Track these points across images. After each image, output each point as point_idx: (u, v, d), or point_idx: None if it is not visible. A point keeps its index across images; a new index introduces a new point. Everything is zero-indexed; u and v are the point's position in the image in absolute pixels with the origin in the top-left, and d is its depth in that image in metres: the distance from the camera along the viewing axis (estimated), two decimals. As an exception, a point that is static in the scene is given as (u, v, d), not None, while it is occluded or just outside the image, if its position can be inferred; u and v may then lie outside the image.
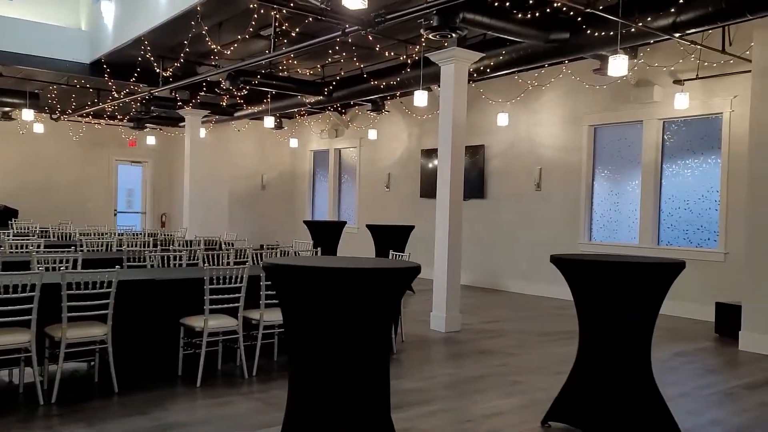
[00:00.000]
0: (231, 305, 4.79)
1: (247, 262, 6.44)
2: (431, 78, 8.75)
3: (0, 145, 14.50)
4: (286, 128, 15.11)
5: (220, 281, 4.73)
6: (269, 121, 11.57)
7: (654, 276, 3.69)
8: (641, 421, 3.75)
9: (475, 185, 11.19)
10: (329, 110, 13.89)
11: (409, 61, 8.87)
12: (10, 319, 3.97)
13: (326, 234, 11.32)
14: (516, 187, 10.66)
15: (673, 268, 3.72)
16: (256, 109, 12.74)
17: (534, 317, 8.18)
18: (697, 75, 8.16)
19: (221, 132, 15.61)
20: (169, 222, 17.23)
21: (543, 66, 9.43)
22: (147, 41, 9.36)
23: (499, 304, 9.32)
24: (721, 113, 8.07)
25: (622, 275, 3.66)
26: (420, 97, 8.49)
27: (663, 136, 8.79)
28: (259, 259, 6.67)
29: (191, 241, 8.60)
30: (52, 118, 14.61)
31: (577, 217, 9.74)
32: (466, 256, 11.14)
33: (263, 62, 8.62)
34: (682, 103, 7.99)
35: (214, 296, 4.68)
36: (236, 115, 13.64)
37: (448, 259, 7.09)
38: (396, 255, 6.56)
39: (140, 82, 10.74)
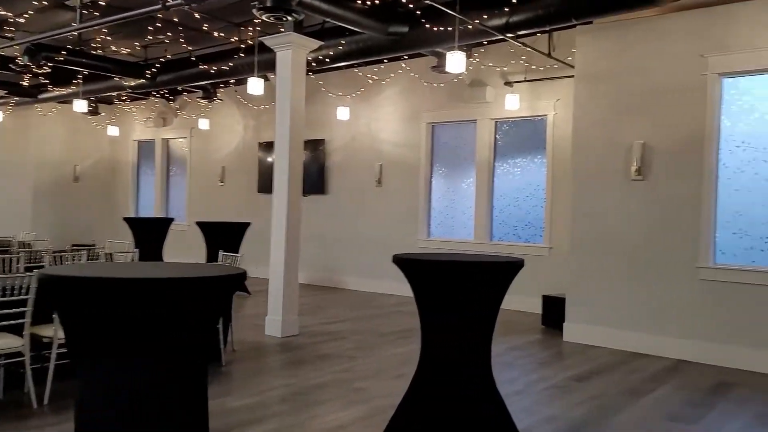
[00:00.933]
0: (15, 321, 3.93)
1: (43, 267, 5.45)
2: (267, 65, 8.22)
3: None
4: (103, 114, 13.59)
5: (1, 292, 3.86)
6: (80, 105, 10.21)
7: (495, 275, 3.57)
8: (482, 425, 3.62)
9: (315, 180, 10.83)
10: (155, 96, 12.71)
11: (242, 46, 8.25)
12: None
13: (150, 232, 10.25)
14: (357, 183, 10.47)
15: (513, 267, 3.64)
16: (65, 91, 11.23)
17: (374, 316, 8.01)
18: (525, 78, 8.52)
19: (23, 116, 13.62)
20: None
21: (383, 60, 9.34)
22: None
23: (339, 303, 9.06)
24: (546, 115, 8.50)
25: (465, 275, 3.49)
26: (255, 85, 7.94)
27: (495, 135, 9.09)
28: (61, 262, 5.69)
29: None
30: None
31: (416, 213, 9.78)
32: (304, 253, 10.75)
33: (69, 37, 7.49)
34: (512, 104, 8.28)
35: (-8, 311, 3.81)
36: (41, 97, 11.94)
37: (285, 258, 6.64)
38: (225, 256, 5.97)
39: None
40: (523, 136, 8.86)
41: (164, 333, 2.29)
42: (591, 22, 6.56)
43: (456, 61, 6.01)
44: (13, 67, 9.06)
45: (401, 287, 9.37)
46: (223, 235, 9.23)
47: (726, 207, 5.79)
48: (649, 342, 6.14)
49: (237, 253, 9.09)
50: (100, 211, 14.37)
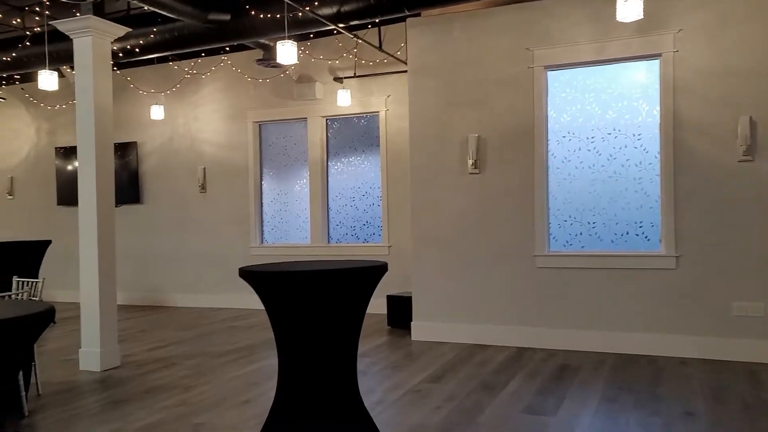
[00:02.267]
0: None
1: None
2: (62, 57, 7.10)
3: None
4: None
5: None
6: None
7: (359, 282, 3.21)
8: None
9: (127, 189, 9.67)
10: None
11: (28, 33, 7.01)
12: None
13: None
14: (178, 189, 9.53)
15: (377, 271, 3.31)
16: None
17: (207, 335, 7.27)
18: (355, 73, 8.31)
19: None
20: None
21: (201, 53, 8.57)
22: None
23: (166, 323, 8.12)
24: (378, 111, 8.37)
25: (327, 285, 3.08)
26: (47, 80, 6.76)
27: (327, 133, 8.78)
28: None
29: None
30: None
31: (246, 219, 9.13)
32: (121, 271, 9.57)
33: None
34: (344, 100, 8.02)
35: None
36: None
37: (99, 279, 5.68)
38: (22, 282, 4.91)
39: None
40: (356, 134, 8.66)
41: None
42: (419, 14, 6.50)
43: (287, 52, 5.56)
44: None
45: (234, 299, 8.70)
46: (17, 257, 7.81)
47: (556, 195, 6.04)
48: (492, 333, 6.23)
49: (36, 277, 7.77)
50: None
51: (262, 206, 9.19)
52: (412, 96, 6.63)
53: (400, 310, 7.08)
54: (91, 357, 5.66)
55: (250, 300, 8.75)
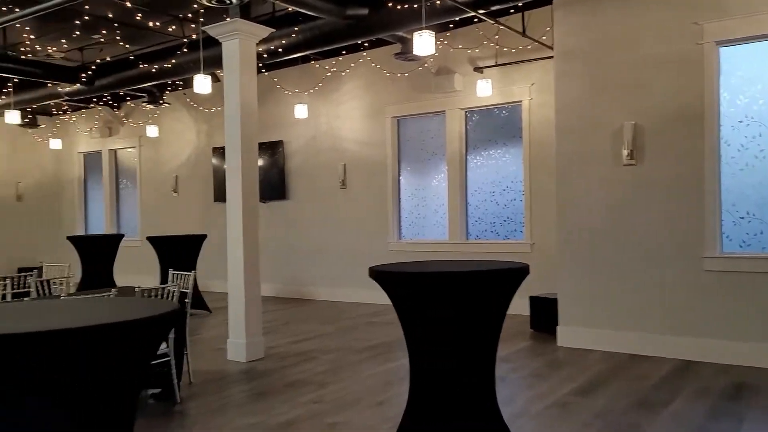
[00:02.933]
0: None
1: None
2: (215, 61, 7.46)
3: None
4: (43, 126, 12.57)
5: None
6: (12, 116, 9.26)
7: (496, 285, 2.94)
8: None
9: (275, 185, 10.09)
10: (98, 104, 11.77)
11: (185, 40, 7.48)
12: None
13: (98, 251, 9.37)
14: (320, 186, 9.76)
15: (516, 275, 3.01)
16: (-3, 101, 10.26)
17: (347, 330, 7.32)
18: (496, 62, 7.94)
19: (-46, 132, 12.53)
20: None
21: (341, 51, 8.66)
22: None
23: (307, 317, 8.33)
24: (521, 101, 7.93)
25: (462, 288, 2.84)
26: (201, 83, 7.15)
27: (466, 126, 8.50)
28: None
29: None
30: None
31: (385, 215, 9.12)
32: (267, 264, 9.99)
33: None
34: (484, 90, 7.69)
35: None
36: (-29, 110, 10.90)
37: (244, 272, 5.90)
38: (177, 275, 5.20)
39: None
40: (497, 125, 8.28)
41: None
42: (567, -5, 6.00)
43: (424, 43, 5.36)
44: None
45: (373, 295, 8.71)
46: (178, 250, 8.43)
47: (730, 189, 5.27)
48: (651, 342, 5.59)
49: (194, 268, 8.32)
50: (47, 231, 13.31)
51: (399, 202, 9.13)
52: (559, 82, 6.15)
53: (544, 313, 6.63)
54: (237, 348, 5.89)
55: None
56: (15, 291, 5.04)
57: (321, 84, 9.49)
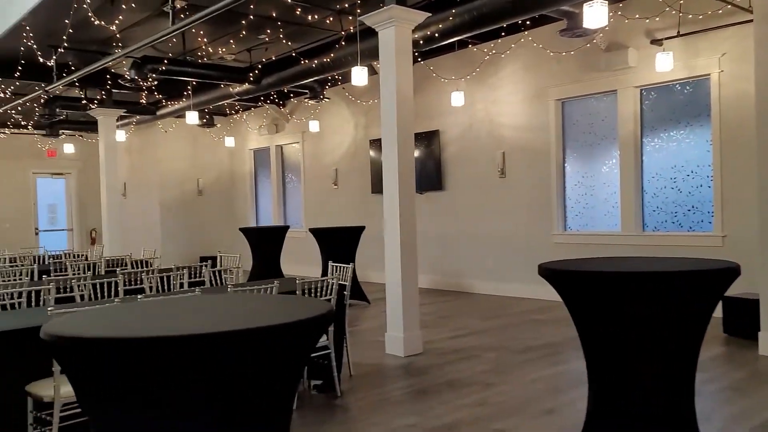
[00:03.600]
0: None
1: (143, 290, 4.96)
2: (372, 53, 7.43)
3: None
4: (219, 126, 13.58)
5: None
6: (192, 117, 10.06)
7: (701, 288, 2.45)
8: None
9: (431, 176, 9.93)
10: (266, 103, 12.44)
11: (343, 33, 7.53)
12: None
13: (267, 242, 9.89)
14: (477, 176, 9.42)
15: (724, 276, 2.49)
16: (179, 104, 11.21)
17: (508, 326, 6.94)
18: (679, 32, 7.03)
19: (146, 134, 13.99)
20: (100, 238, 15.51)
21: (501, 31, 8.20)
22: (29, 27, 7.76)
23: (467, 310, 8.06)
24: (709, 74, 6.96)
25: (660, 290, 2.40)
26: (358, 75, 7.17)
27: (641, 105, 7.66)
28: (163, 285, 5.19)
29: (95, 264, 7.03)
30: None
31: (548, 204, 8.55)
32: (425, 256, 9.86)
33: (170, 44, 7.14)
34: (664, 65, 6.83)
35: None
36: (159, 113, 12.06)
37: (401, 264, 5.78)
38: (335, 267, 5.20)
39: (32, 79, 9.12)
40: (678, 103, 7.36)
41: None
42: (772, -56, 5.07)
43: (596, 14, 4.83)
44: (122, 83, 8.99)
45: (536, 290, 8.21)
46: (337, 241, 8.59)
47: None
48: None
49: (353, 259, 8.43)
50: (224, 223, 14.41)
51: (564, 190, 8.51)
52: (762, 49, 5.23)
53: (742, 316, 5.75)
54: (395, 341, 5.79)
55: (553, 291, 8.17)
56: (191, 280, 5.36)
57: (478, 69, 9.13)
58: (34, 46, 7.88)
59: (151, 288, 4.93)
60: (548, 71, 8.45)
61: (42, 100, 10.06)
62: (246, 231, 10.00)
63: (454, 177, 9.79)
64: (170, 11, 6.33)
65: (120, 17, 7.11)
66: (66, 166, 15.40)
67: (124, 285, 5.05)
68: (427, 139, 9.96)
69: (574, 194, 8.44)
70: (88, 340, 1.52)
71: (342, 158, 11.91)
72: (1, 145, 13.98)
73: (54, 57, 8.41)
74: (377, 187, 10.76)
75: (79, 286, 4.55)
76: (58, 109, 10.67)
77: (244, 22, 7.13)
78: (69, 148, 14.06)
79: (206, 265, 5.59)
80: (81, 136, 14.35)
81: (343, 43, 7.73)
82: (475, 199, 9.44)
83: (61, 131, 13.30)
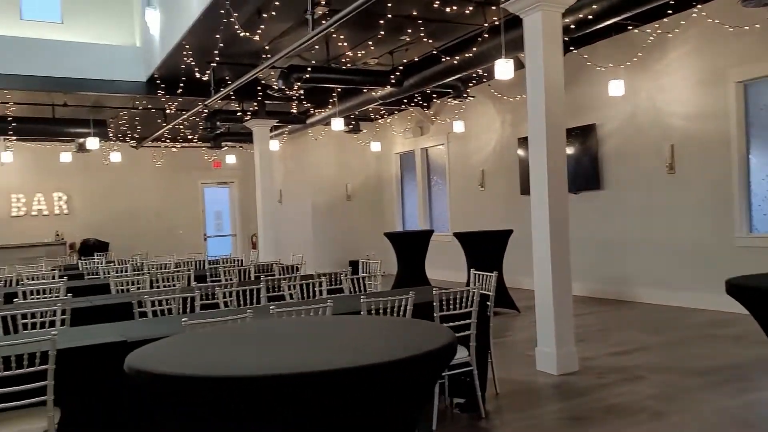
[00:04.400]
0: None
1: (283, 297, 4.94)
2: (517, 45, 6.93)
3: (82, 177, 14.28)
4: (365, 131, 13.72)
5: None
6: (337, 123, 10.18)
7: None
8: None
9: (587, 174, 9.13)
10: (410, 105, 12.33)
11: (486, 25, 7.11)
12: None
13: (411, 246, 9.74)
14: (641, 171, 8.46)
15: None
16: (326, 112, 11.45)
17: (680, 343, 6.06)
18: None
19: (298, 142, 14.54)
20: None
21: (666, 9, 7.26)
22: (189, 46, 8.29)
23: (629, 322, 7.22)
24: None
25: None
26: (503, 68, 6.71)
27: None
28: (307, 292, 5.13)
29: (246, 270, 7.28)
30: (131, 146, 14.24)
31: (728, 203, 7.42)
32: (580, 261, 9.06)
33: (312, 51, 7.21)
34: None
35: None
36: (309, 122, 12.43)
37: (552, 272, 5.23)
38: (478, 275, 4.81)
39: (193, 95, 9.77)
40: None
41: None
42: None
43: (791, -30, 3.96)
44: (270, 93, 9.32)
45: (712, 300, 7.16)
46: (483, 246, 8.16)
47: None
48: None
49: (500, 264, 7.95)
50: (371, 227, 14.53)
51: (749, 186, 7.33)
52: None
53: None
54: (546, 357, 5.25)
55: (734, 302, 7.06)
56: (330, 287, 5.25)
57: (640, 54, 8.20)
58: (192, 63, 8.39)
59: (291, 295, 4.89)
60: (726, 49, 7.34)
61: (203, 114, 10.75)
62: (390, 236, 9.91)
63: (613, 174, 8.90)
64: (310, 17, 6.34)
65: (266, 29, 7.31)
66: (229, 175, 16.49)
67: (267, 292, 5.07)
68: (582, 134, 9.17)
69: (760, 190, 7.24)
70: (163, 377, 1.32)
71: (488, 158, 11.43)
72: (174, 158, 15.29)
73: (207, 72, 8.90)
74: (526, 187, 10.14)
75: (223, 293, 4.61)
76: (218, 122, 11.37)
77: (382, 22, 6.98)
78: (231, 159, 15.02)
79: (346, 273, 5.46)
80: (241, 147, 15.26)
81: (486, 35, 7.31)
82: (639, 198, 8.49)
83: (223, 143, 14.24)
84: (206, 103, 9.51)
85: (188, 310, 4.45)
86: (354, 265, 7.37)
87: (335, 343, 1.58)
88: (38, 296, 5.54)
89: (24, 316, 4.14)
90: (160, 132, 12.40)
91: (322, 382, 1.28)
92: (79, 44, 10.29)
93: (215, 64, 8.46)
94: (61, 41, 10.28)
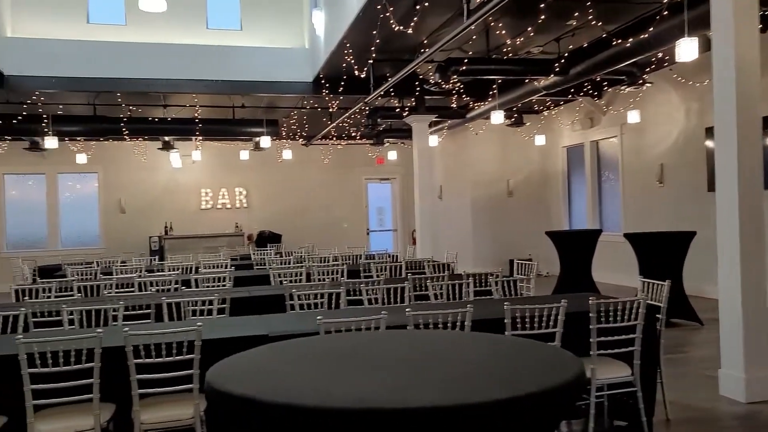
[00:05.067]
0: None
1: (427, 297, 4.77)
2: (703, 22, 6.09)
3: (259, 173, 15.38)
4: (529, 124, 13.10)
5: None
6: (497, 117, 9.79)
7: None
8: None
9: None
10: (578, 95, 11.51)
11: (664, 1, 6.32)
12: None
13: (575, 247, 9.08)
14: None
15: None
16: (486, 105, 11.09)
17: None
18: None
19: (457, 137, 14.31)
20: (419, 238, 16.54)
21: None
22: (349, 44, 8.45)
23: None
24: None
25: None
26: (687, 48, 5.94)
27: None
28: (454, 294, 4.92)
29: (398, 266, 7.23)
30: (301, 144, 15.04)
31: None
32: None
33: (469, 42, 6.96)
34: None
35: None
36: (468, 116, 12.15)
37: (741, 281, 4.48)
38: (647, 284, 4.24)
39: (354, 93, 9.98)
40: None
41: None
42: None
43: None
44: (427, 88, 9.21)
45: None
46: (659, 249, 7.33)
47: None
48: None
49: (679, 270, 7.08)
50: (533, 225, 13.87)
51: None
52: None
53: None
54: (732, 381, 4.51)
55: None
56: (477, 289, 4.96)
57: None
58: (352, 61, 8.54)
59: (436, 296, 4.71)
60: None
61: (365, 112, 10.96)
62: (553, 235, 9.33)
63: (825, 169, 7.50)
64: (465, 6, 6.09)
65: (424, 23, 7.19)
66: (391, 171, 16.77)
67: (414, 290, 4.94)
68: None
69: None
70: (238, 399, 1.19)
71: (669, 151, 10.29)
72: (340, 154, 15.89)
73: (365, 69, 9.01)
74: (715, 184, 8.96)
75: (366, 291, 4.55)
76: (379, 119, 11.53)
77: (543, 5, 6.51)
78: (392, 155, 15.24)
79: (496, 275, 5.14)
80: (403, 143, 15.41)
81: (665, 13, 6.51)
82: None
83: (385, 140, 14.48)
84: (366, 100, 9.66)
85: (333, 306, 4.45)
86: (510, 264, 7.01)
87: (436, 374, 1.35)
88: (209, 284, 5.96)
89: (188, 304, 4.43)
90: (326, 130, 12.90)
91: (415, 419, 1.06)
92: (255, 49, 11.02)
93: (372, 61, 8.52)
94: (239, 47, 11.08)
